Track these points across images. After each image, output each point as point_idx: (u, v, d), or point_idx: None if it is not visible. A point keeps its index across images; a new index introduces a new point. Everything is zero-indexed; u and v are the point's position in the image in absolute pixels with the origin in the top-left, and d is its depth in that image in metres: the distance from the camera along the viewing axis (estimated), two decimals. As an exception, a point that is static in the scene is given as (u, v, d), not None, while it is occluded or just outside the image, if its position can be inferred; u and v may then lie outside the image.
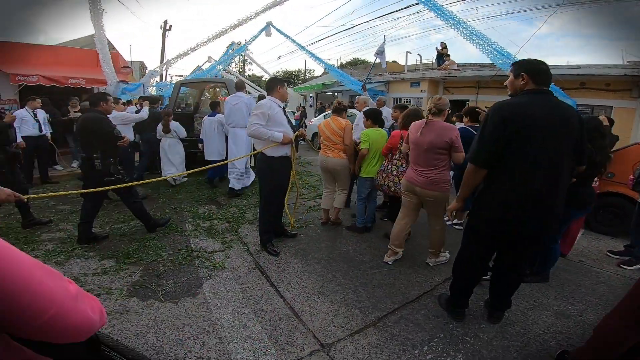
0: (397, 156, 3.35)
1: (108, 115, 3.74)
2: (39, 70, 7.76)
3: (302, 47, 11.09)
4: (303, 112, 12.92)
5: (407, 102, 11.57)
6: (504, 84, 2.11)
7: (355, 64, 25.33)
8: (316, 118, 11.40)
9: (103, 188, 3.17)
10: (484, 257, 2.18)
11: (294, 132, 3.31)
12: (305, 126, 12.00)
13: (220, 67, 11.40)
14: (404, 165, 3.28)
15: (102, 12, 6.24)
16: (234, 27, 7.85)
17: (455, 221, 4.70)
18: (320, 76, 18.40)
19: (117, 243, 3.61)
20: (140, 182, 3.90)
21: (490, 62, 6.77)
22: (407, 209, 3.04)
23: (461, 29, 6.65)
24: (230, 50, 12.34)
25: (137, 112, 5.85)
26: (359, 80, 9.99)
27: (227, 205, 4.88)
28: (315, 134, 10.67)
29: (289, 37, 10.61)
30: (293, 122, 12.55)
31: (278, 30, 10.34)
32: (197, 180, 6.18)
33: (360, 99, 5.13)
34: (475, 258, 2.17)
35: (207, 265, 3.08)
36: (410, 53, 14.34)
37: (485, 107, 3.82)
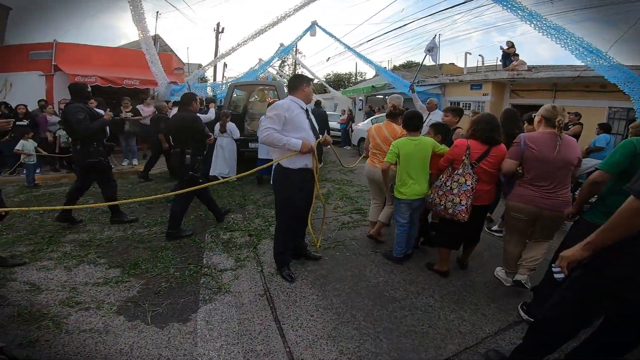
0: (459, 171, 2.72)
1: None
2: (96, 71, 8.40)
3: (349, 48, 10.73)
4: (350, 116, 12.47)
5: (465, 106, 10.58)
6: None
7: (409, 66, 24.28)
8: (363, 122, 10.90)
9: (181, 191, 3.08)
10: (583, 324, 1.57)
11: (317, 138, 2.84)
12: (352, 130, 11.53)
13: (271, 69, 11.51)
14: (468, 182, 2.67)
15: (143, 13, 6.47)
16: (273, 24, 7.74)
17: (495, 227, 4.24)
18: (371, 79, 17.88)
19: (132, 250, 3.52)
20: (214, 182, 3.67)
21: (568, 63, 5.76)
22: (520, 234, 2.65)
23: (535, 23, 5.76)
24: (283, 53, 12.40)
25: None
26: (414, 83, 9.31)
27: (254, 215, 4.61)
28: (361, 139, 10.18)
29: (335, 37, 10.33)
30: (338, 125, 12.40)
31: (323, 30, 10.11)
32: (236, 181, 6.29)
33: (392, 99, 4.57)
34: (572, 321, 1.56)
35: (212, 285, 2.79)
36: (470, 54, 13.21)
37: (570, 112, 3.05)
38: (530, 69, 9.96)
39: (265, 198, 5.42)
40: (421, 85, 11.33)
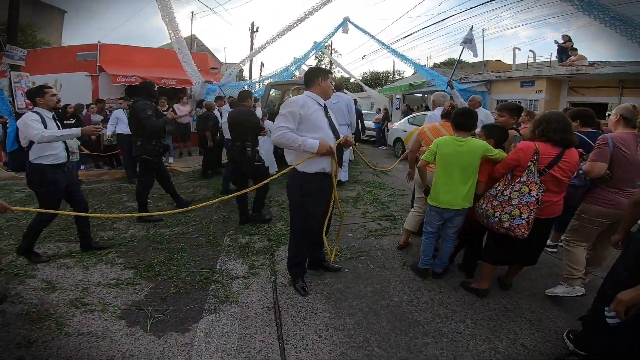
0: (523, 179, 2.31)
1: None
2: (136, 71, 8.83)
3: (384, 45, 10.35)
4: (386, 115, 12.05)
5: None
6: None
7: (450, 63, 23.06)
8: (400, 122, 10.47)
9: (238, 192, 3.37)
10: None
11: (337, 138, 2.58)
12: (387, 130, 11.13)
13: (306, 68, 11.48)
14: (533, 193, 2.26)
15: (173, 13, 6.64)
16: (302, 19, 7.62)
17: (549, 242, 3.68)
18: (409, 77, 17.26)
19: (151, 251, 3.53)
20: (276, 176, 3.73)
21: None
22: (591, 238, 2.65)
23: (596, 14, 5.11)
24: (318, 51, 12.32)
25: None
26: (453, 80, 8.76)
27: (277, 218, 4.48)
28: (397, 140, 9.77)
29: (369, 34, 10.00)
30: (372, 125, 12.02)
31: (356, 26, 9.83)
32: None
33: (435, 97, 4.20)
34: None
35: (220, 294, 2.68)
36: (519, 49, 12.24)
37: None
38: (592, 64, 8.97)
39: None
40: (464, 82, 10.68)
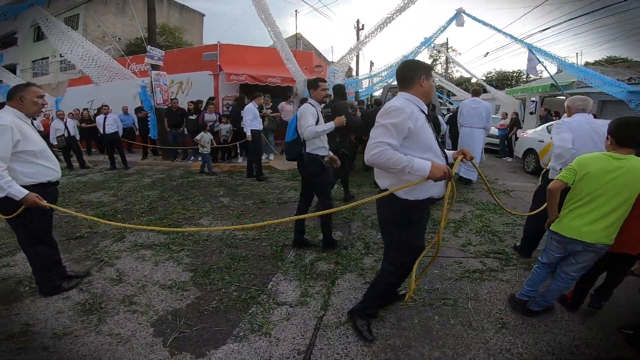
0: None
1: None
2: (246, 69, 9.69)
3: (516, 39, 8.75)
4: (515, 121, 10.25)
5: None
6: None
7: (611, 62, 18.14)
8: (535, 129, 8.73)
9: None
10: None
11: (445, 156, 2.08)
12: (516, 138, 9.50)
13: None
14: None
15: (269, 9, 6.89)
16: (401, 9, 6.98)
17: None
18: (547, 77, 14.40)
19: (216, 255, 3.62)
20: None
21: None
22: None
23: None
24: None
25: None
26: (618, 80, 6.85)
27: (356, 236, 4.10)
28: (529, 151, 8.21)
29: (493, 27, 8.60)
30: (496, 131, 10.35)
31: (473, 18, 8.57)
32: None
33: (571, 102, 3.20)
34: None
35: (256, 320, 2.50)
36: None
37: None
38: None
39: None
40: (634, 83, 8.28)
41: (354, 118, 4.84)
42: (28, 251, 2.70)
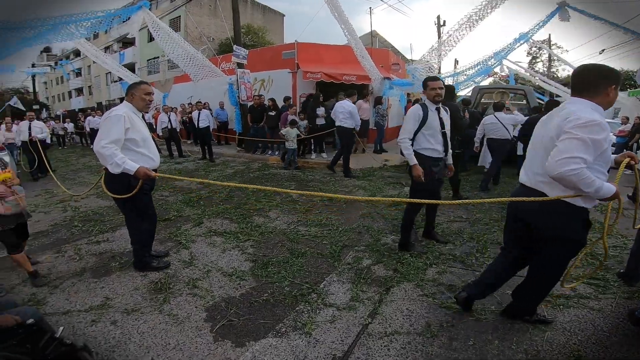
0: None
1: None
2: (322, 67, 9.85)
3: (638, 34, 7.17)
4: (639, 127, 8.50)
5: None
6: None
7: None
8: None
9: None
10: None
11: None
12: (639, 148, 7.99)
13: (515, 66, 9.69)
14: None
15: (340, 6, 6.78)
16: (491, 5, 6.22)
17: None
18: None
19: (278, 248, 3.80)
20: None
21: None
22: None
23: None
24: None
25: None
26: None
27: (427, 243, 3.88)
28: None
29: (609, 22, 7.17)
30: (614, 139, 8.69)
31: (580, 12, 7.25)
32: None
33: None
34: None
35: (301, 318, 2.57)
36: None
37: None
38: None
39: (480, 221, 4.53)
40: None
41: (463, 121, 4.87)
42: (132, 227, 3.19)
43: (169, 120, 9.82)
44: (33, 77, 29.11)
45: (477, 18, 6.39)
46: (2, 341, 1.64)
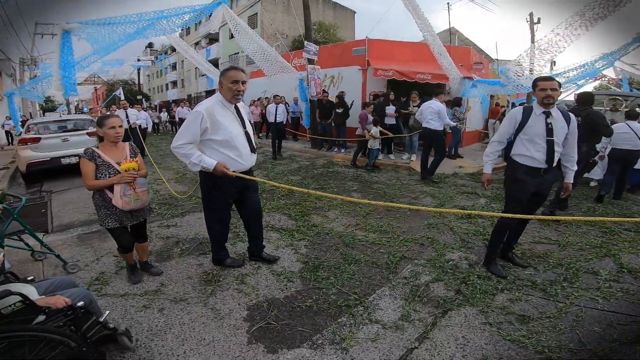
0: None
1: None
2: (395, 65, 9.40)
3: None
4: None
5: None
6: None
7: None
8: None
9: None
10: None
11: None
12: None
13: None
14: None
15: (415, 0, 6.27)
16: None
17: None
18: None
19: (332, 251, 3.64)
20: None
21: None
22: None
23: None
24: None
25: None
26: None
27: (504, 266, 3.33)
28: None
29: None
30: None
31: None
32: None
33: None
34: None
35: (341, 332, 2.41)
36: None
37: None
38: None
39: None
40: None
41: (608, 130, 4.64)
42: (207, 225, 3.12)
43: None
44: (138, 70, 33.04)
45: (596, 16, 5.35)
46: (49, 321, 1.71)
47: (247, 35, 8.26)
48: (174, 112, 16.95)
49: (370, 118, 7.72)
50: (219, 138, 2.66)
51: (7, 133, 14.86)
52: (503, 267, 3.27)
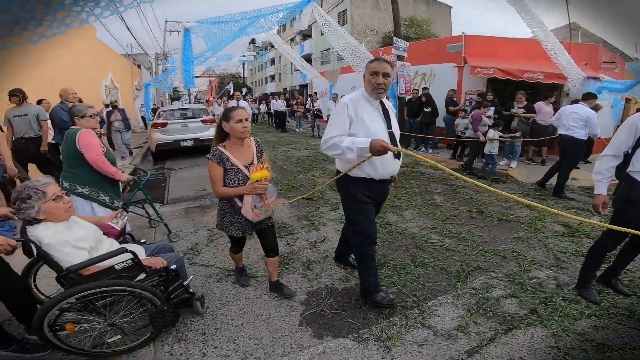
0: None
1: None
2: (496, 62, 8.60)
3: None
4: None
5: None
6: None
7: None
8: None
9: None
10: None
11: None
12: None
13: None
14: None
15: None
16: None
17: None
18: None
19: (402, 251, 3.58)
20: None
21: None
22: None
23: None
24: None
25: None
26: None
27: (602, 292, 2.90)
28: None
29: None
30: None
31: None
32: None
33: None
34: None
35: (389, 331, 2.42)
36: None
37: None
38: None
39: None
40: None
41: None
42: (352, 241, 2.71)
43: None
44: (243, 64, 36.04)
45: None
46: (147, 279, 2.07)
47: (335, 32, 8.41)
48: (270, 104, 18.18)
49: (486, 120, 7.05)
50: (359, 135, 2.31)
51: (142, 118, 17.66)
52: (599, 292, 2.87)
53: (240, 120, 2.33)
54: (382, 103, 2.45)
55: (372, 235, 2.52)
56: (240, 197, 2.37)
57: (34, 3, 2.37)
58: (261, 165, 2.36)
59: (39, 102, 5.60)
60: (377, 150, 2.15)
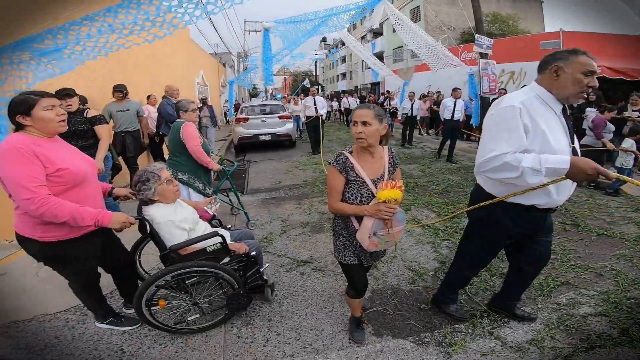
0: None
1: None
2: (605, 60, 7.67)
3: None
4: None
5: None
6: None
7: None
8: None
9: None
10: None
11: None
12: None
13: None
14: None
15: None
16: None
17: None
18: None
19: (492, 263, 3.26)
20: None
21: None
22: None
23: None
24: None
25: None
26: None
27: None
28: None
29: None
30: None
31: None
32: None
33: None
34: None
35: (451, 338, 2.33)
36: None
37: None
38: None
39: None
40: None
41: None
42: (454, 265, 2.49)
43: (411, 107, 9.96)
44: (315, 62, 36.74)
45: None
46: (230, 263, 2.29)
47: (409, 29, 8.14)
48: (341, 101, 18.31)
49: (611, 126, 6.00)
50: (533, 151, 1.72)
51: (225, 114, 19.07)
52: None
53: (362, 124, 1.80)
54: (564, 109, 1.85)
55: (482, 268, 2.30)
56: (359, 218, 1.89)
57: (148, 4, 2.70)
58: (393, 182, 1.77)
59: (148, 97, 6.41)
60: (585, 174, 1.55)
